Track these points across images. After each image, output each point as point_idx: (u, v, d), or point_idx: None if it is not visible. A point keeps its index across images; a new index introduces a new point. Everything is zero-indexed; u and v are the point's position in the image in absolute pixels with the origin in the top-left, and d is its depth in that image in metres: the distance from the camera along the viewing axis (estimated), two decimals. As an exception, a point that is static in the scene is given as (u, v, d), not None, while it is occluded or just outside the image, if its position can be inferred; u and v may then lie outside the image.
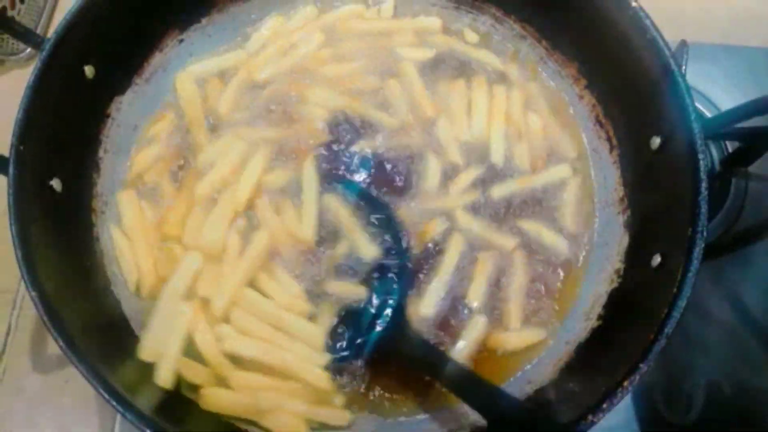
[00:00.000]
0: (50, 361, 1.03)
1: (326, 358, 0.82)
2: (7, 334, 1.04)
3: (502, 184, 0.94)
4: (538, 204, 0.94)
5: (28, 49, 1.20)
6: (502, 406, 0.77)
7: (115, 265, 0.89)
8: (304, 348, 0.83)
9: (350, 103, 0.97)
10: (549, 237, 0.92)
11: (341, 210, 0.90)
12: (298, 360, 0.82)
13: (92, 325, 0.77)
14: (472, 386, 0.79)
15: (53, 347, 1.03)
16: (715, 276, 1.02)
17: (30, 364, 1.02)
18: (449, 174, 0.94)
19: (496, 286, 0.90)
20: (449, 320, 0.88)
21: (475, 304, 0.88)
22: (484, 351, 0.87)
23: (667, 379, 0.98)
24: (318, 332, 0.84)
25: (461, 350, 0.86)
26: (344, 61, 1.01)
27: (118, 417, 0.97)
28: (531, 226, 0.92)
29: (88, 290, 0.83)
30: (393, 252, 0.88)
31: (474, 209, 0.93)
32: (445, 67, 1.01)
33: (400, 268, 0.87)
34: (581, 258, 0.92)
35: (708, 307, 1.01)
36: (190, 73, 0.99)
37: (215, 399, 0.80)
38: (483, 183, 0.94)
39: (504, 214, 0.93)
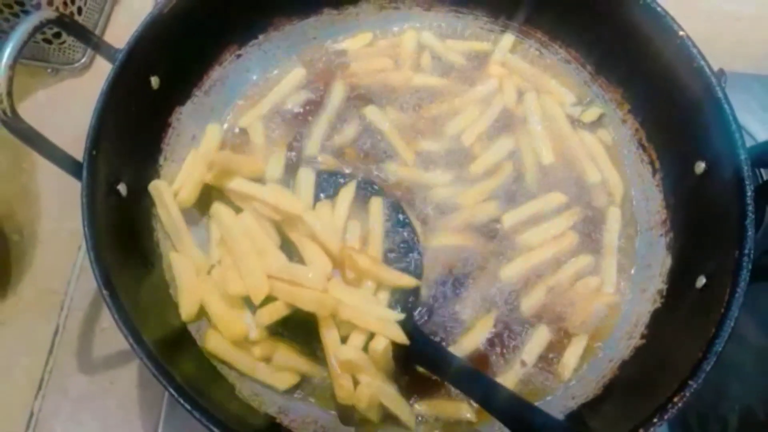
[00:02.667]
0: (96, 362, 1.05)
1: None
2: (55, 334, 1.07)
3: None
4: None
5: (83, 59, 1.24)
6: (538, 424, 0.77)
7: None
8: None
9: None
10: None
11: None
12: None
13: (156, 326, 0.79)
14: (505, 401, 0.80)
15: (99, 349, 1.06)
16: (750, 301, 1.04)
17: (76, 365, 1.05)
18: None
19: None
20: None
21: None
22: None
23: (701, 403, 0.99)
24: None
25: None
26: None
27: (162, 419, 0.99)
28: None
29: (150, 292, 0.86)
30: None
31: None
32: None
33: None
34: (624, 279, 0.95)
35: (743, 332, 1.03)
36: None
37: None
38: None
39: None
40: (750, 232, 0.78)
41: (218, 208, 0.90)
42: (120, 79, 0.83)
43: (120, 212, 0.85)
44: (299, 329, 0.85)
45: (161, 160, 0.96)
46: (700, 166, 0.88)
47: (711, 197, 0.86)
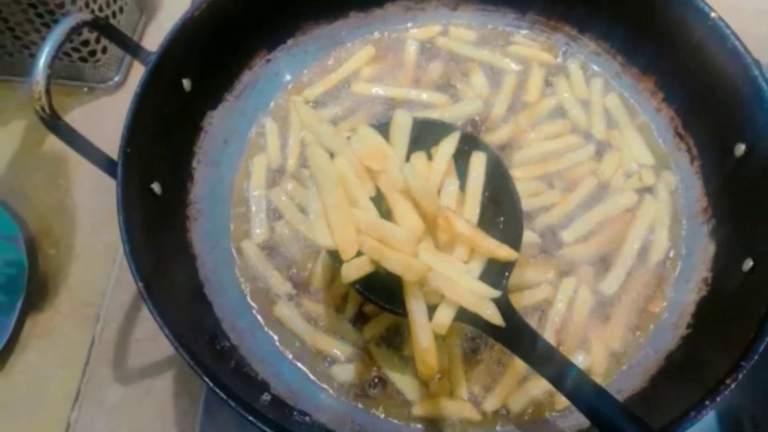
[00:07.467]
0: (131, 372, 1.05)
1: None
2: (91, 345, 1.07)
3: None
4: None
5: (117, 77, 1.26)
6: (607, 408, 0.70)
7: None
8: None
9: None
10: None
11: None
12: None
13: (192, 327, 0.79)
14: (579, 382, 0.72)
15: (134, 359, 1.06)
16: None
17: (112, 376, 1.05)
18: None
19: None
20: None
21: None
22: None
23: (754, 403, 0.95)
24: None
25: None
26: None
27: (198, 427, 0.98)
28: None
29: (182, 293, 0.86)
30: None
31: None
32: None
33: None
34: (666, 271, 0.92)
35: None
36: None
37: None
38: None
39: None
40: (798, 206, 0.75)
41: (315, 150, 0.78)
42: (153, 79, 0.85)
43: (154, 210, 0.85)
44: (382, 290, 0.77)
45: (194, 163, 0.96)
46: (740, 148, 0.86)
47: (753, 178, 0.84)
